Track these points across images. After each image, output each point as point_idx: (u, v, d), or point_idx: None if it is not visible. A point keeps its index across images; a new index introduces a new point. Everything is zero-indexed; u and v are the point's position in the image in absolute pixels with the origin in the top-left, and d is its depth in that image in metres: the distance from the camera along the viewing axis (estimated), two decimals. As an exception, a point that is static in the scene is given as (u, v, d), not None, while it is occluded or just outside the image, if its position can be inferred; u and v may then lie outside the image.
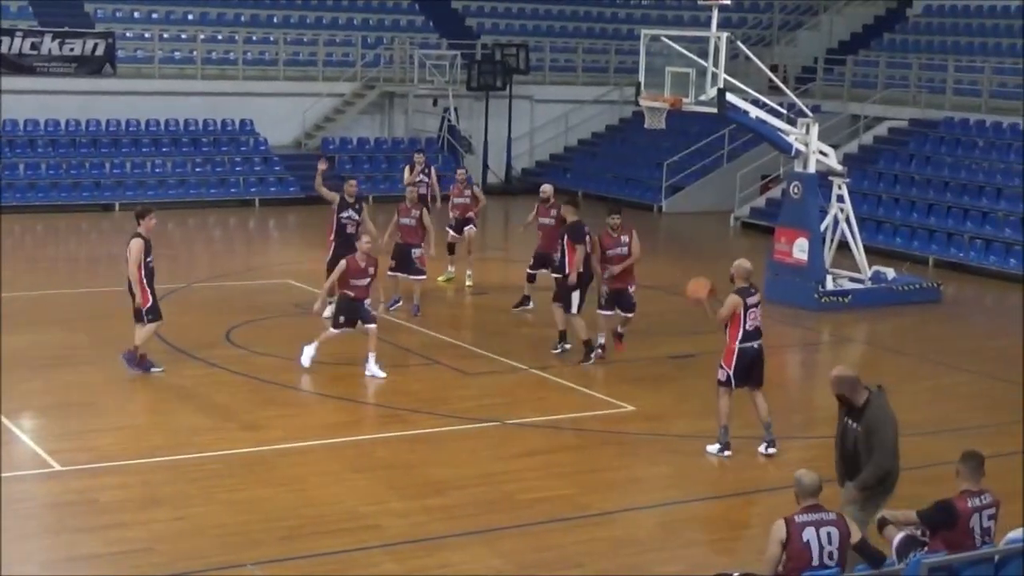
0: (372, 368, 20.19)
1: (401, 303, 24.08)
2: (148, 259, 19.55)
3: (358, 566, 13.30)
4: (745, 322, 16.75)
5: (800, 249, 26.47)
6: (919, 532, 11.40)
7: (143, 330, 19.75)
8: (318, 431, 17.64)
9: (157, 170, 38.44)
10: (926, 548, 11.18)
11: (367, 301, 20.31)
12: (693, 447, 17.63)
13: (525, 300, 24.71)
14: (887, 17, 48.77)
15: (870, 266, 27.48)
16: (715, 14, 26.65)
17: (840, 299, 26.33)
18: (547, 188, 24.63)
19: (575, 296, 21.26)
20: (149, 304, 19.62)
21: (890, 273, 27.97)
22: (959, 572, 11.00)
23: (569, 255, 21.25)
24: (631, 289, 21.58)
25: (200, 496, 15.10)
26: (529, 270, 24.62)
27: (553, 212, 23.82)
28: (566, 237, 21.41)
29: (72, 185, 36.91)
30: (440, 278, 26.85)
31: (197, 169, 38.98)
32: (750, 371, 16.99)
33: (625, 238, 21.56)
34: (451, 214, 27.03)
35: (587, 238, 21.37)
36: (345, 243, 22.14)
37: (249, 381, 19.86)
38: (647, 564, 13.72)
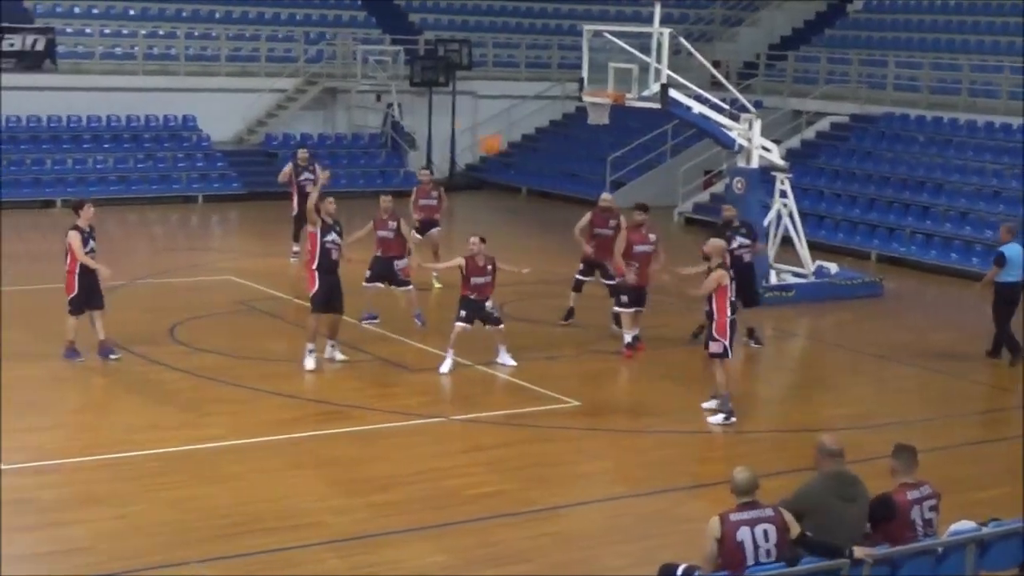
0: (504, 357, 20.69)
1: (378, 320, 23.14)
2: (86, 250, 19.87)
3: (302, 563, 13.23)
4: (731, 295, 18.07)
5: (743, 244, 26.51)
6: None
7: (73, 321, 20.19)
8: (259, 428, 17.54)
9: (98, 166, 38.19)
10: None
11: (488, 302, 20.41)
12: (637, 442, 17.67)
13: (571, 313, 23.76)
14: (828, 13, 48.99)
15: (813, 261, 27.59)
16: (657, 9, 26.65)
17: (783, 293, 26.41)
18: (608, 197, 23.95)
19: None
20: (73, 294, 20.05)
21: (833, 268, 28.10)
22: (901, 565, 11.06)
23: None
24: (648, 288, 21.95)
25: (140, 494, 14.98)
26: (579, 276, 23.60)
27: (612, 222, 23.18)
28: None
29: (12, 181, 36.55)
30: (437, 286, 25.97)
31: (139, 165, 38.74)
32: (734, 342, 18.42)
33: (653, 236, 21.81)
34: (415, 216, 26.25)
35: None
36: (330, 269, 20.26)
37: (191, 378, 19.74)
38: (594, 558, 13.72)
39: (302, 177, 28.21)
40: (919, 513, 11.35)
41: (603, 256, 23.08)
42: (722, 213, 23.17)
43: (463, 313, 20.37)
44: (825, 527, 10.98)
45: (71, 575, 12.77)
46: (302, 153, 29.38)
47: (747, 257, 22.40)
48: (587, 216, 23.57)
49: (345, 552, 13.58)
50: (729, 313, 18.03)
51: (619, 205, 24.30)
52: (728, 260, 19.06)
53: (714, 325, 18.04)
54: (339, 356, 20.68)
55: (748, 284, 22.07)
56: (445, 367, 20.36)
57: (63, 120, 38.87)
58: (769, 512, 10.75)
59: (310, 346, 20.27)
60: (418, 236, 26.04)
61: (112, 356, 20.41)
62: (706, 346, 18.28)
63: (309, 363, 20.18)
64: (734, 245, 22.01)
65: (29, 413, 17.84)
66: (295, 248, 28.16)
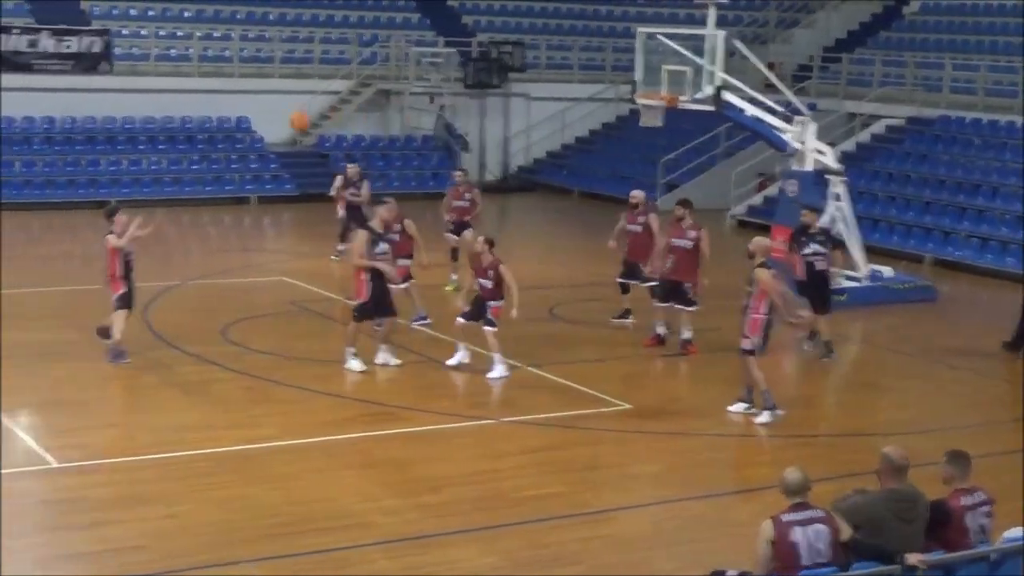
0: (497, 368, 20.33)
1: (428, 320, 23.21)
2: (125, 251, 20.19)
3: (352, 564, 13.23)
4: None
5: (797, 247, 26.39)
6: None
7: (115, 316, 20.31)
8: (310, 428, 17.56)
9: (153, 167, 38.42)
10: None
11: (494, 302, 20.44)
12: (687, 445, 17.61)
13: (626, 313, 23.70)
14: (883, 15, 48.74)
15: (867, 264, 27.44)
16: (712, 12, 26.60)
17: (837, 297, 26.22)
18: (637, 194, 23.60)
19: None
20: (121, 292, 20.14)
21: (887, 271, 27.93)
22: (955, 571, 10.96)
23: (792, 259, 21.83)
24: (686, 285, 21.76)
25: (190, 494, 15.02)
26: (620, 279, 23.51)
27: (641, 219, 23.08)
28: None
29: (67, 182, 36.88)
30: (447, 287, 25.92)
31: (192, 166, 38.94)
32: (768, 341, 18.35)
33: (694, 233, 21.76)
34: (447, 217, 26.33)
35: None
36: (379, 277, 20.28)
37: (243, 378, 19.80)
38: (643, 562, 13.67)
39: (349, 191, 27.88)
40: (973, 519, 11.24)
41: (634, 255, 23.16)
42: (800, 218, 22.92)
43: (465, 309, 20.56)
44: (879, 543, 10.89)
45: (120, 574, 12.82)
46: (352, 168, 28.49)
47: (820, 265, 22.14)
48: (623, 217, 23.57)
49: (395, 553, 13.57)
50: (764, 312, 17.99)
51: (672, 207, 24.14)
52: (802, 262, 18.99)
53: (747, 322, 18.08)
54: (393, 360, 20.62)
55: (819, 291, 21.99)
56: (454, 360, 20.57)
57: (118, 121, 39.13)
58: (820, 513, 10.68)
59: (351, 349, 20.29)
60: (453, 237, 26.10)
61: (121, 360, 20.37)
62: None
63: (355, 365, 20.19)
64: (807, 251, 21.96)
65: (80, 412, 17.96)
66: (340, 247, 28.13)
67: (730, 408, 18.60)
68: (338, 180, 28.44)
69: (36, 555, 13.38)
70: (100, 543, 13.54)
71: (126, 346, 20.34)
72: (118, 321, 20.22)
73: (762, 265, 18.10)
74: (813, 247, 22.12)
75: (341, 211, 28.07)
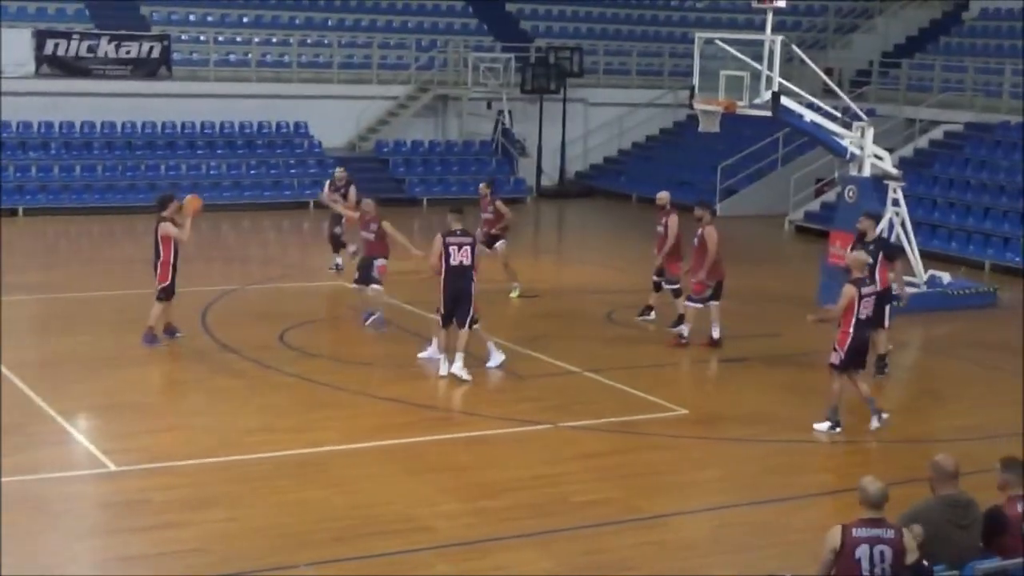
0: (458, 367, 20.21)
1: (378, 315, 23.14)
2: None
3: (410, 568, 13.31)
4: (859, 311, 17.71)
5: (855, 253, 26.31)
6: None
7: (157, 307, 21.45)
8: (370, 433, 17.64)
9: (212, 172, 38.61)
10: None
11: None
12: (745, 451, 17.60)
13: (647, 310, 24.18)
14: (942, 20, 48.50)
15: (926, 270, 27.32)
16: (769, 17, 26.54)
17: (895, 303, 26.12)
18: (660, 195, 23.88)
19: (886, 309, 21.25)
20: (166, 283, 21.31)
21: (946, 277, 27.80)
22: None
23: (881, 272, 20.99)
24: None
25: (252, 497, 15.13)
26: (655, 277, 23.92)
27: (664, 220, 23.38)
28: (881, 254, 21.11)
29: (128, 187, 37.12)
30: (512, 295, 26.08)
31: (251, 171, 39.14)
32: (859, 356, 18.03)
33: (700, 231, 22.30)
34: (480, 230, 25.72)
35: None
36: (459, 279, 20.28)
37: (302, 382, 19.90)
38: (698, 568, 13.67)
39: (334, 196, 27.02)
40: None
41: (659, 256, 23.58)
42: (856, 225, 22.68)
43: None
44: (935, 550, 10.86)
45: (182, 576, 12.96)
46: (339, 172, 27.93)
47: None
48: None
49: (454, 557, 13.63)
50: (852, 328, 17.73)
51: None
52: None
53: (837, 336, 17.95)
54: (463, 375, 20.02)
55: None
56: (428, 352, 20.82)
57: (178, 127, 39.36)
58: (891, 534, 10.50)
59: (442, 356, 20.30)
60: (486, 249, 25.32)
61: (176, 335, 21.82)
62: None
63: (441, 369, 20.22)
64: None
65: (142, 416, 18.10)
66: (338, 260, 27.68)
67: (816, 426, 18.30)
68: (326, 186, 27.88)
69: (96, 558, 13.52)
70: (161, 546, 13.66)
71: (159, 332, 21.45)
72: (156, 311, 21.31)
73: (855, 281, 17.86)
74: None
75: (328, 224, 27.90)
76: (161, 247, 21.17)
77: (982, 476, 12.90)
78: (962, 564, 10.83)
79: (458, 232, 20.01)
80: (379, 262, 22.81)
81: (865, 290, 17.87)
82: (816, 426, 18.15)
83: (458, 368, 19.98)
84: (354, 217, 23.35)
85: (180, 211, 21.29)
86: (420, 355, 20.87)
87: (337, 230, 27.11)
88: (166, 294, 21.36)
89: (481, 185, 27.20)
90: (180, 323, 21.86)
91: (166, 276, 21.24)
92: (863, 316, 17.81)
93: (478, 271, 20.30)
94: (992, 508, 11.26)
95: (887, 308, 21.22)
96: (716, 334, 22.39)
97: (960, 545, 11.02)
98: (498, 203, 26.29)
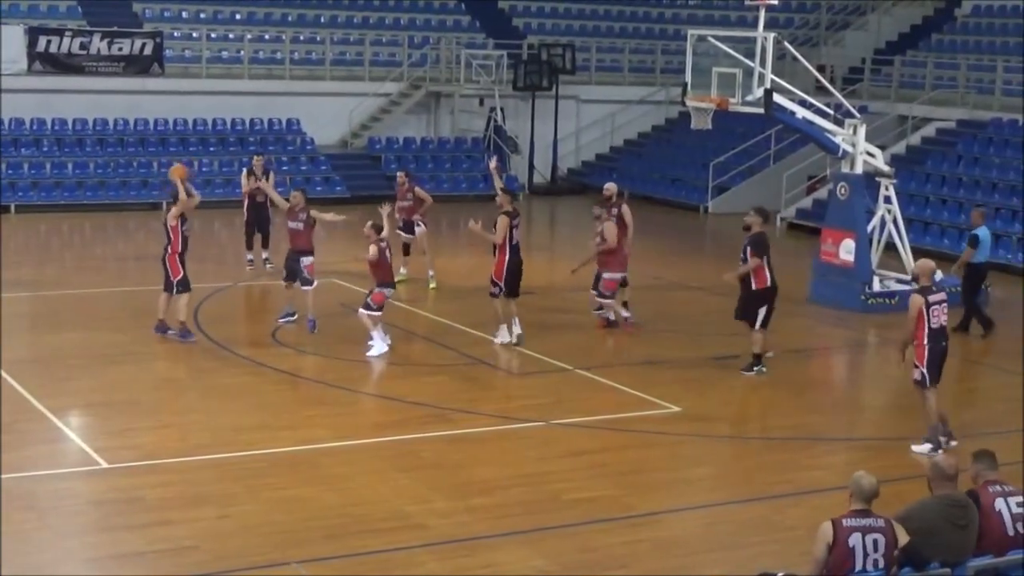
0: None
1: (296, 316, 23.13)
2: (184, 227, 21.49)
3: (401, 566, 13.32)
4: (929, 320, 17.05)
5: (847, 250, 26.36)
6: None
7: (175, 301, 21.62)
8: (363, 430, 17.68)
9: (204, 169, 38.57)
10: None
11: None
12: (737, 448, 17.63)
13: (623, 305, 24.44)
14: (935, 17, 48.51)
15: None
16: (762, 14, 26.54)
17: (887, 300, 26.20)
18: (607, 186, 24.48)
19: (762, 311, 20.97)
20: (180, 276, 21.49)
21: (937, 275, 27.76)
22: (1007, 574, 10.97)
23: (759, 271, 20.94)
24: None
25: (245, 494, 15.15)
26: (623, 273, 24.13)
27: (615, 211, 23.84)
28: (749, 249, 21.00)
29: (120, 184, 37.11)
30: (430, 285, 26.74)
31: (244, 168, 38.97)
32: (939, 368, 17.31)
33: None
34: (397, 216, 26.14)
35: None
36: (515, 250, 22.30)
37: (294, 380, 19.93)
38: (691, 566, 13.69)
39: (254, 186, 27.91)
40: (1005, 505, 11.33)
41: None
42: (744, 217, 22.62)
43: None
44: (932, 550, 10.91)
45: (176, 574, 12.95)
46: (256, 160, 28.65)
47: None
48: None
49: (445, 555, 13.65)
50: (927, 340, 17.09)
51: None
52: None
53: (914, 351, 17.26)
54: (497, 339, 22.21)
55: None
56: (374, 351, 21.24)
57: (170, 124, 39.33)
58: (881, 523, 10.67)
59: (503, 326, 22.01)
60: (408, 236, 26.82)
61: (168, 332, 21.79)
62: None
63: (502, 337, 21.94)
64: None
65: (135, 413, 18.11)
66: (249, 256, 28.46)
67: (914, 447, 17.47)
68: (244, 174, 28.69)
69: (88, 556, 13.52)
70: (153, 543, 13.66)
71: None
72: (181, 304, 21.50)
73: (922, 290, 17.29)
74: None
75: (245, 212, 28.56)
76: (171, 235, 21.38)
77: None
78: (958, 564, 10.89)
79: (517, 215, 22.27)
80: (306, 260, 22.78)
81: (933, 298, 17.15)
82: (915, 447, 17.32)
83: (516, 331, 21.97)
84: (284, 204, 23.37)
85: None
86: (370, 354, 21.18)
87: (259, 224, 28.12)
88: (184, 286, 21.54)
89: (399, 174, 27.87)
90: (173, 321, 21.84)
91: (178, 270, 21.40)
92: (935, 325, 17.09)
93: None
94: (969, 491, 11.39)
95: (761, 311, 20.92)
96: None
97: (957, 545, 11.07)
98: (417, 189, 27.29)
